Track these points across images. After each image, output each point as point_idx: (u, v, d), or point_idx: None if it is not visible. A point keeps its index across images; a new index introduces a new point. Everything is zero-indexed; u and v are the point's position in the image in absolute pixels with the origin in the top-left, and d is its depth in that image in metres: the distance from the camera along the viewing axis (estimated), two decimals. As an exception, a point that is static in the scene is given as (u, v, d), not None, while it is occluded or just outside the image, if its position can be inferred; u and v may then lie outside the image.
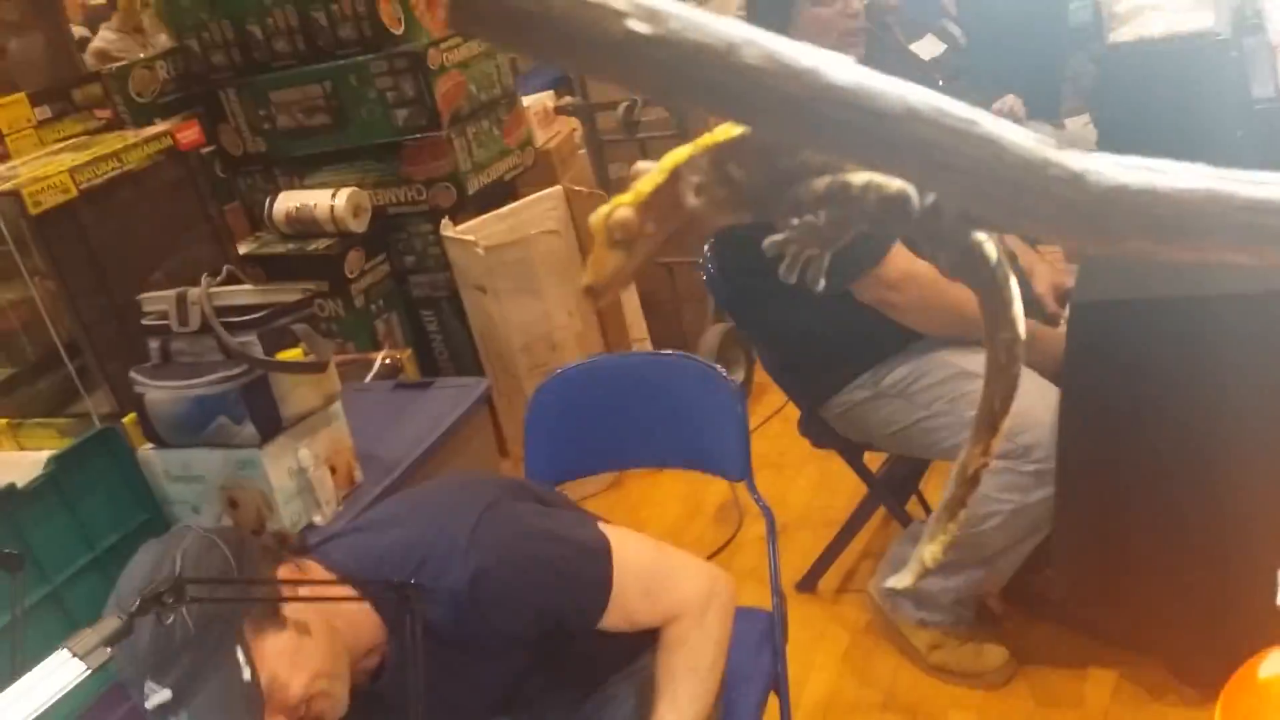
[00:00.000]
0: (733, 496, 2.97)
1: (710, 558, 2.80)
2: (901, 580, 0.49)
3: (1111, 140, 2.09)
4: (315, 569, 1.41)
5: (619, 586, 1.42)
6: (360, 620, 1.40)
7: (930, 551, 0.49)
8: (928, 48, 3.04)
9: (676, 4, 0.35)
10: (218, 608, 1.20)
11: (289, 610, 1.30)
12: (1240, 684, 0.72)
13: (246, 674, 1.21)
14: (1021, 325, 0.49)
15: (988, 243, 0.47)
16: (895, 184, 0.43)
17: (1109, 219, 0.38)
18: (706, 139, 0.45)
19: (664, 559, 1.52)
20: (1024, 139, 0.38)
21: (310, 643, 1.31)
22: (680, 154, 0.45)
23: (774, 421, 3.23)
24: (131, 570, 1.27)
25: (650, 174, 0.44)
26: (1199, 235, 0.38)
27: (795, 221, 0.48)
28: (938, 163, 0.37)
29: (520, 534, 1.42)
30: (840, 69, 0.36)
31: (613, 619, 1.44)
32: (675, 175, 0.44)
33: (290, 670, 1.26)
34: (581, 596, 1.43)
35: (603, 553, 1.44)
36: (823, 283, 0.50)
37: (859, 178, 0.44)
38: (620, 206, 0.44)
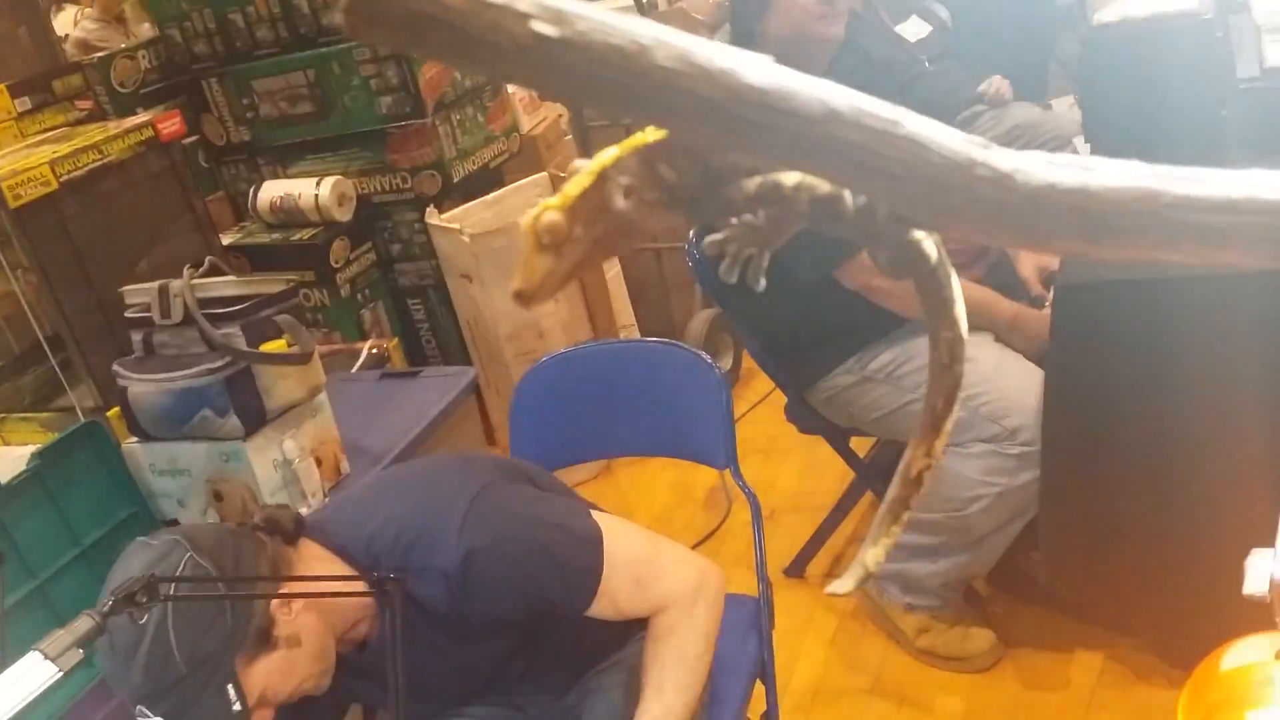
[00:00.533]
0: (721, 482, 2.96)
1: (699, 544, 2.80)
2: (844, 585, 0.48)
3: (1096, 121, 2.08)
4: (309, 551, 1.42)
5: (609, 574, 1.43)
6: (348, 601, 1.41)
7: (873, 555, 0.48)
8: (913, 29, 3.02)
9: (584, 5, 0.34)
10: (210, 647, 1.24)
11: (279, 629, 1.32)
12: (1203, 677, 0.71)
13: (237, 706, 1.26)
14: (963, 324, 0.48)
15: (926, 241, 0.46)
16: (827, 184, 0.43)
17: (1038, 219, 0.37)
18: (635, 139, 0.44)
19: (654, 549, 1.52)
20: (950, 139, 0.37)
21: (299, 652, 1.35)
22: (608, 155, 0.44)
23: (761, 407, 3.22)
24: (115, 577, 1.27)
25: (578, 176, 0.43)
26: (1130, 234, 0.37)
27: (734, 221, 0.48)
28: (860, 164, 0.36)
29: (513, 517, 1.44)
30: (757, 70, 0.35)
31: (601, 606, 1.44)
32: (603, 177, 0.43)
33: (281, 682, 1.33)
34: (571, 582, 1.43)
35: (594, 540, 1.44)
36: (763, 282, 0.49)
37: (790, 178, 0.43)
38: (548, 210, 0.43)
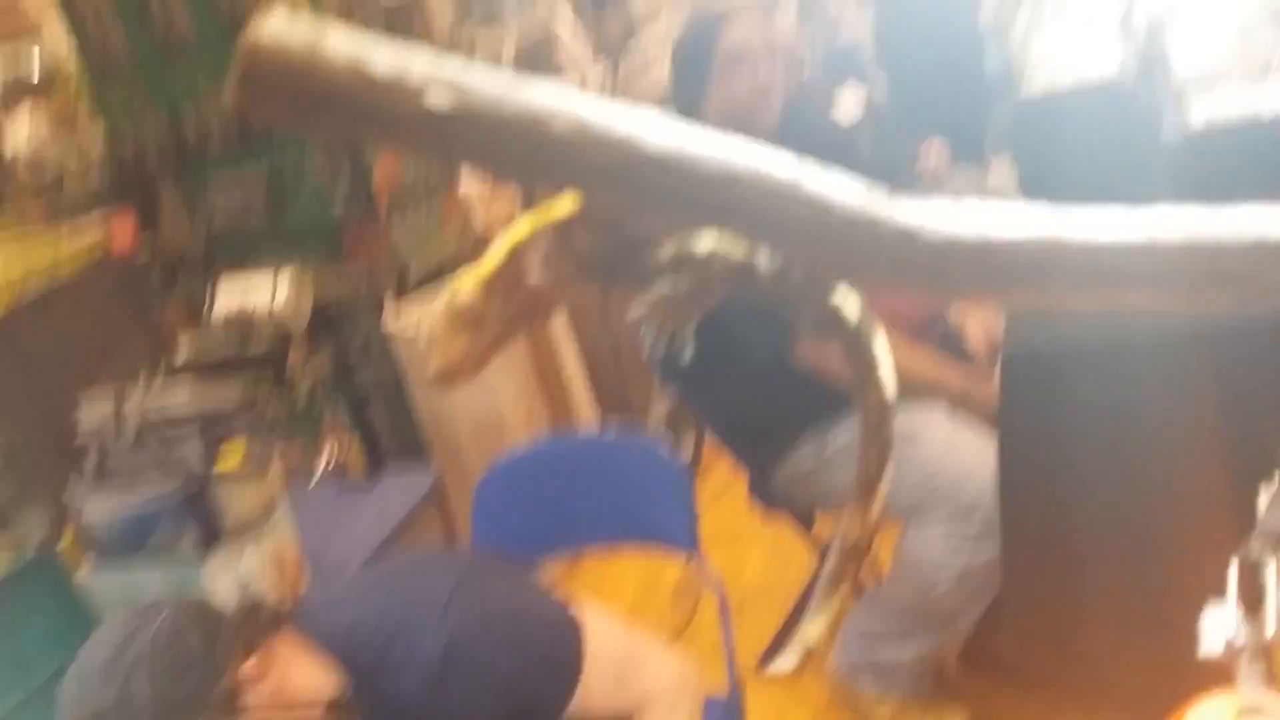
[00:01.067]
0: (690, 575, 2.92)
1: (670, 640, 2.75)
2: (785, 663, 0.47)
3: (1032, 192, 2.12)
4: (286, 642, 1.38)
5: (590, 670, 1.41)
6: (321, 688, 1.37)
7: (814, 630, 0.47)
8: (848, 104, 3.08)
9: (480, 76, 0.34)
10: (178, 697, 1.22)
11: (246, 699, 1.28)
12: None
13: None
14: (890, 388, 0.47)
15: (847, 303, 0.46)
16: (740, 251, 0.43)
17: (946, 272, 0.37)
18: (547, 214, 0.44)
19: (636, 646, 1.51)
20: (852, 199, 0.37)
21: None
22: (521, 231, 0.44)
23: (726, 495, 3.20)
24: (94, 647, 1.26)
25: (491, 254, 0.43)
26: (1037, 282, 0.38)
27: (649, 298, 0.47)
28: (765, 224, 0.36)
29: (494, 610, 1.43)
30: (657, 135, 0.35)
31: (581, 704, 1.41)
32: (517, 253, 0.43)
33: None
34: (552, 677, 1.41)
35: (574, 635, 1.43)
36: (689, 351, 0.49)
37: (702, 246, 0.43)
38: (462, 290, 0.43)
